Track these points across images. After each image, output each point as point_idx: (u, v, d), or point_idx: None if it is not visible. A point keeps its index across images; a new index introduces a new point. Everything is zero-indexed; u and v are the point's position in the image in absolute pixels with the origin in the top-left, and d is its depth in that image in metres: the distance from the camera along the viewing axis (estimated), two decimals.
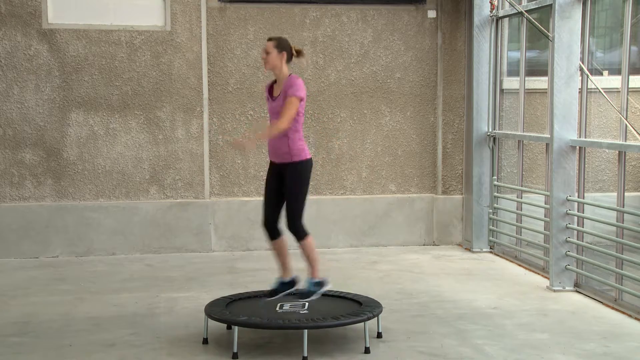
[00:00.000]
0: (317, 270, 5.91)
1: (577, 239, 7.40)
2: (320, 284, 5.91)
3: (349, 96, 9.47)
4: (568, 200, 7.35)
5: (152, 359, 5.49)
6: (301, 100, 5.74)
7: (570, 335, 5.98)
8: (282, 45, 5.84)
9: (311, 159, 5.90)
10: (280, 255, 5.98)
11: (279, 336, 5.87)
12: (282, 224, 5.91)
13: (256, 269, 8.25)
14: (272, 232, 5.94)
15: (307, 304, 5.86)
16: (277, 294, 5.97)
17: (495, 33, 9.04)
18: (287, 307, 5.81)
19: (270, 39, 5.92)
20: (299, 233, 5.82)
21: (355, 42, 9.44)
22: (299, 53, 5.95)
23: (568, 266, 7.36)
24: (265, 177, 6.05)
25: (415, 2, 9.48)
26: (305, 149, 5.84)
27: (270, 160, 5.97)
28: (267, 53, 5.83)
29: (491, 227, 9.15)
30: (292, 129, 5.75)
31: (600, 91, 7.28)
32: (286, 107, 5.69)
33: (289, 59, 5.86)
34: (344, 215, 9.50)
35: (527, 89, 8.56)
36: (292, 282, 6.02)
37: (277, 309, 5.79)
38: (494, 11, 8.92)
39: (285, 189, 5.82)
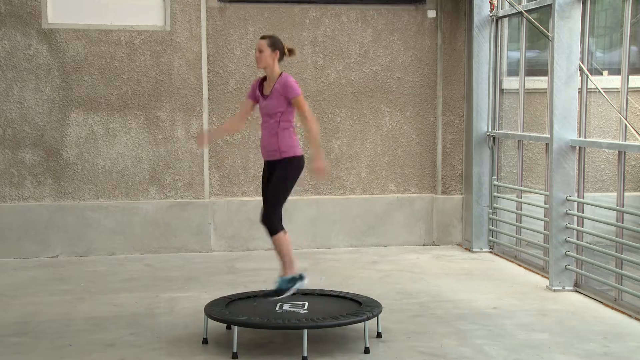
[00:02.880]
0: (288, 268, 5.86)
1: (577, 239, 7.40)
2: (293, 280, 5.87)
3: (348, 96, 9.47)
4: (568, 200, 7.35)
5: (152, 359, 5.49)
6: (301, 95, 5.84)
7: (570, 335, 5.99)
8: (275, 43, 5.88)
9: (302, 157, 5.90)
10: (286, 249, 5.89)
11: (279, 336, 5.87)
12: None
13: (256, 269, 8.25)
14: (272, 227, 5.89)
15: (306, 303, 5.86)
16: (283, 293, 5.94)
17: (495, 33, 9.04)
18: (287, 307, 5.81)
19: (263, 37, 5.96)
20: (273, 227, 5.79)
21: (355, 42, 9.44)
22: (291, 52, 5.98)
23: (568, 266, 7.36)
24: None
25: (415, 2, 9.48)
26: (295, 146, 5.84)
27: (263, 158, 6.01)
28: (260, 51, 5.86)
29: (491, 227, 9.15)
30: (281, 126, 5.79)
31: (600, 91, 7.28)
32: (300, 108, 5.80)
33: (281, 58, 5.90)
34: (344, 215, 9.50)
35: (526, 89, 8.56)
36: (302, 277, 5.96)
37: (277, 308, 5.79)
38: (493, 11, 8.92)
39: (270, 182, 5.85)
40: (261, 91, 5.95)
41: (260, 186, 6.06)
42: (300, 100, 5.79)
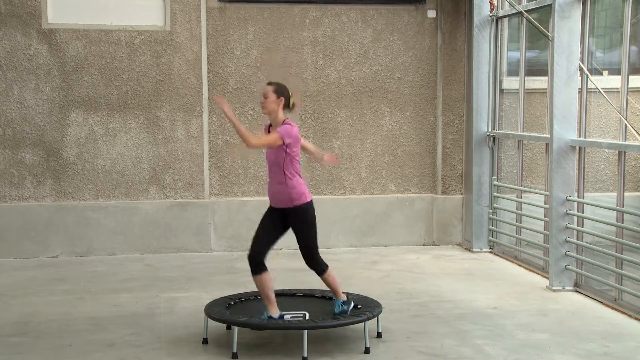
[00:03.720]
0: (340, 292, 5.85)
1: (577, 239, 7.40)
2: (347, 302, 5.85)
3: (348, 96, 9.47)
4: (568, 200, 7.35)
5: (152, 359, 5.49)
6: (283, 141, 5.60)
7: (570, 335, 5.99)
8: (281, 90, 5.73)
9: (312, 201, 5.80)
10: (267, 291, 5.68)
11: (279, 336, 5.88)
12: (268, 259, 5.75)
13: None
14: (258, 266, 5.69)
15: (307, 314, 5.81)
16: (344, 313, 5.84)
17: (495, 33, 9.04)
18: (288, 318, 5.73)
19: (270, 84, 5.81)
20: (319, 267, 5.78)
21: (355, 42, 9.44)
22: (294, 106, 5.82)
23: (568, 266, 7.36)
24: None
25: (415, 2, 9.48)
26: (305, 193, 5.73)
27: (271, 205, 5.85)
28: (265, 97, 5.72)
29: (491, 227, 9.15)
30: (288, 175, 5.65)
31: (600, 91, 7.28)
32: (268, 135, 5.67)
33: (286, 105, 5.75)
34: (344, 215, 9.50)
35: (526, 89, 8.56)
36: (281, 318, 5.69)
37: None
38: (493, 11, 8.92)
39: (295, 232, 5.75)
40: None
41: (261, 222, 5.84)
42: (274, 137, 5.59)
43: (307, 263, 5.81)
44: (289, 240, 5.95)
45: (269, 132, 5.84)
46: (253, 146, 5.68)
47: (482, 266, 8.51)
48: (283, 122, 5.71)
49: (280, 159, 5.66)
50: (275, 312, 5.66)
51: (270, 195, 5.83)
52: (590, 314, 6.58)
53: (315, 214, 5.81)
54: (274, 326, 5.53)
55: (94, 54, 8.96)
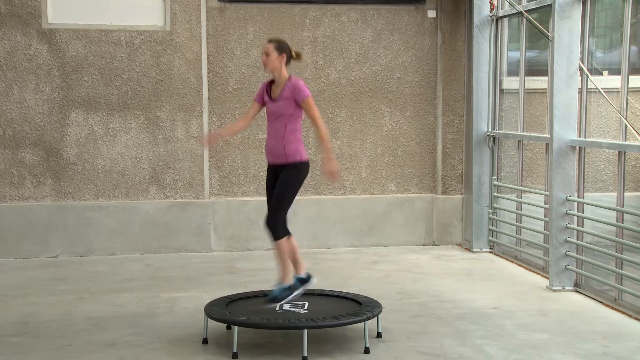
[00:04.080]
0: (287, 275, 5.83)
1: (577, 239, 7.40)
2: (291, 288, 5.85)
3: (348, 96, 9.47)
4: (568, 200, 7.35)
5: (152, 359, 5.49)
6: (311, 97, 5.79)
7: (570, 335, 5.99)
8: (281, 47, 5.83)
9: (308, 162, 5.86)
10: (290, 253, 5.89)
11: (279, 336, 5.87)
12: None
13: (256, 269, 8.25)
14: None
15: (306, 303, 5.86)
16: (277, 301, 5.89)
17: (495, 33, 9.04)
18: (287, 307, 5.81)
19: (270, 41, 5.90)
20: (274, 232, 5.75)
21: (355, 42, 9.45)
22: (298, 55, 5.94)
23: (568, 266, 7.36)
24: (264, 177, 6.02)
25: (415, 2, 9.48)
26: (300, 151, 5.79)
27: (268, 162, 5.96)
28: (267, 55, 5.81)
29: (491, 227, 9.15)
30: (288, 130, 5.74)
31: (600, 91, 7.28)
32: (309, 112, 5.75)
33: (288, 61, 5.85)
34: (344, 215, 9.50)
35: (526, 89, 8.56)
36: (307, 278, 5.92)
37: (277, 308, 5.79)
38: (493, 11, 8.92)
39: (276, 187, 5.79)
40: (269, 94, 5.90)
41: (265, 189, 5.98)
42: (310, 102, 5.74)
43: (266, 221, 5.77)
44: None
45: (269, 89, 5.89)
46: (324, 127, 5.81)
47: (482, 266, 8.51)
48: (289, 78, 5.78)
49: (288, 112, 5.74)
50: (289, 281, 5.77)
51: (267, 150, 5.89)
52: (590, 314, 6.58)
53: (304, 180, 5.84)
54: (274, 326, 5.52)
55: (94, 54, 8.96)
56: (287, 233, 5.82)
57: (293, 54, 5.89)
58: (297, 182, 5.80)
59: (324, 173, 5.87)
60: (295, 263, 5.91)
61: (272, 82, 5.92)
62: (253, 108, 5.99)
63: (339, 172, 5.69)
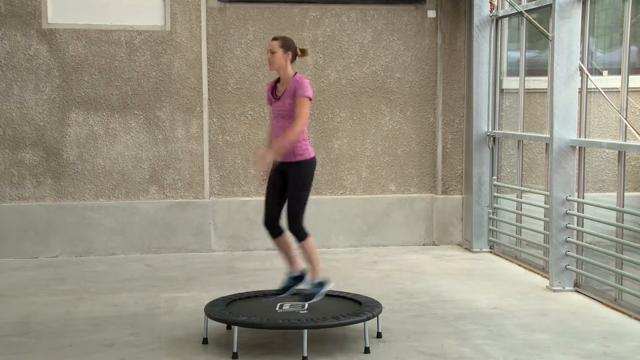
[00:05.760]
0: (318, 271, 5.88)
1: (577, 239, 7.40)
2: (322, 284, 5.89)
3: (348, 96, 9.47)
4: (568, 200, 7.35)
5: (152, 359, 5.49)
6: (310, 100, 5.74)
7: (570, 335, 5.99)
8: (287, 44, 5.81)
9: (315, 158, 5.88)
10: (286, 251, 5.95)
11: (279, 336, 5.87)
12: (283, 221, 5.89)
13: (256, 268, 8.25)
14: (274, 231, 5.91)
15: (307, 304, 5.86)
16: (288, 290, 5.95)
17: (495, 33, 9.04)
18: (287, 307, 5.81)
19: (275, 38, 5.87)
20: (300, 234, 5.79)
21: (355, 42, 9.44)
22: (303, 52, 5.93)
23: (568, 266, 7.36)
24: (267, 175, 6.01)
25: (415, 2, 9.48)
26: (308, 149, 5.81)
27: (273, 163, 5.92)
28: (272, 52, 5.78)
29: (491, 227, 9.15)
30: None
31: (600, 91, 7.28)
32: (299, 108, 5.67)
33: (293, 59, 5.84)
34: (344, 215, 9.50)
35: (526, 89, 8.56)
36: (301, 276, 5.97)
37: (277, 308, 5.79)
38: (493, 11, 8.93)
39: (288, 189, 5.79)
40: (274, 93, 5.88)
41: (267, 187, 5.96)
42: (305, 102, 5.69)
43: (288, 226, 5.78)
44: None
45: (274, 89, 5.88)
46: (302, 128, 5.68)
47: (482, 266, 8.51)
48: (294, 75, 5.75)
49: (293, 110, 5.70)
50: (320, 276, 5.78)
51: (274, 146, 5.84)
52: (590, 314, 6.58)
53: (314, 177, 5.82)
54: (274, 326, 5.52)
55: (94, 54, 8.96)
56: (308, 233, 5.82)
57: (298, 51, 5.87)
58: (309, 180, 5.79)
59: (257, 154, 5.85)
60: (292, 260, 5.97)
61: (278, 80, 5.91)
62: (269, 111, 5.98)
63: (267, 165, 5.67)
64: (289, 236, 5.91)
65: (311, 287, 5.88)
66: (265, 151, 5.78)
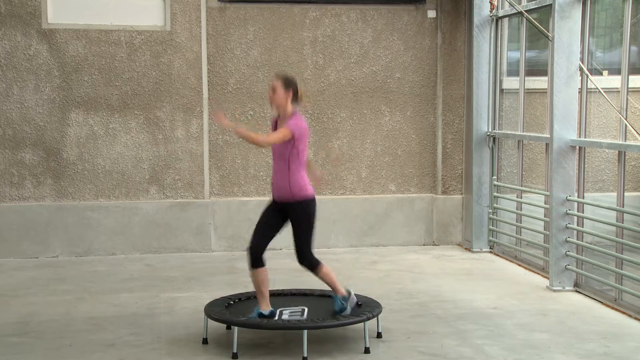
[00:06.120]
0: (340, 288, 5.83)
1: (577, 239, 7.40)
2: (347, 298, 5.82)
3: (348, 96, 9.47)
4: (568, 200, 7.35)
5: (152, 359, 5.49)
6: (293, 135, 5.58)
7: (570, 335, 5.99)
8: (289, 83, 5.73)
9: (313, 195, 5.77)
10: (261, 286, 5.72)
11: (279, 336, 5.88)
12: (266, 254, 5.74)
13: None
14: (255, 260, 5.71)
15: (305, 309, 5.82)
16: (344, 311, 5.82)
17: (495, 33, 9.04)
18: (286, 316, 5.73)
19: (277, 77, 5.80)
20: (311, 265, 5.76)
21: (355, 42, 9.44)
22: (301, 98, 5.80)
23: (568, 266, 7.36)
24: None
25: (415, 2, 9.48)
26: (306, 186, 5.70)
27: (273, 197, 5.83)
28: (274, 91, 5.71)
29: (491, 227, 9.15)
30: (293, 166, 5.65)
31: (600, 91, 7.28)
32: (278, 131, 5.63)
33: (294, 98, 5.75)
34: (344, 215, 9.50)
35: (526, 89, 8.56)
36: (272, 315, 5.73)
37: (276, 318, 5.74)
38: (493, 11, 8.92)
39: (292, 228, 5.74)
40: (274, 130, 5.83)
41: (260, 216, 5.85)
42: (284, 131, 5.57)
43: (298, 260, 5.76)
44: (289, 240, 5.94)
45: (276, 125, 5.84)
46: (266, 145, 5.73)
47: (482, 266, 8.51)
48: (292, 114, 5.71)
49: (286, 152, 5.65)
50: (266, 309, 5.67)
51: (273, 187, 5.83)
52: (590, 314, 6.59)
53: (316, 213, 5.77)
54: (274, 326, 5.52)
55: (94, 54, 8.96)
56: (319, 262, 5.77)
57: (299, 94, 5.78)
58: (310, 219, 5.74)
59: (216, 114, 5.94)
60: (262, 296, 5.74)
61: (279, 117, 5.82)
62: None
63: (227, 125, 5.80)
64: (266, 272, 5.74)
65: (339, 303, 5.81)
66: (222, 116, 5.81)
